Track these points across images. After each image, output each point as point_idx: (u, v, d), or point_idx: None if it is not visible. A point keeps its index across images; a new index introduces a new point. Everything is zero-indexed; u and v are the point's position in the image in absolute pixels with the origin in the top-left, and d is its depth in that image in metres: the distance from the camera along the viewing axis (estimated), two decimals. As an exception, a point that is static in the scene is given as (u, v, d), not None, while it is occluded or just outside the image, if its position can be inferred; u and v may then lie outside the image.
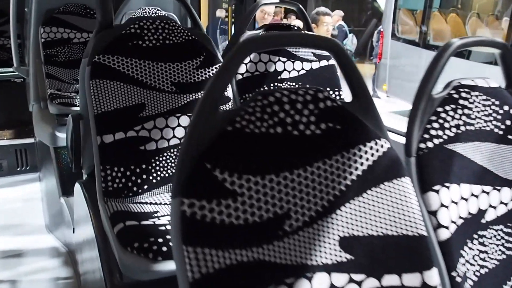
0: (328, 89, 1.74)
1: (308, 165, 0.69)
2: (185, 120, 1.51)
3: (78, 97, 2.78)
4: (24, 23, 3.66)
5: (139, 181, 1.41)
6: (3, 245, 2.67)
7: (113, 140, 1.38)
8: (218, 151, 0.63)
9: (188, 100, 1.51)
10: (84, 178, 1.82)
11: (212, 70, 1.54)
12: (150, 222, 1.24)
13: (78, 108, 2.61)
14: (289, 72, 1.73)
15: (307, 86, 0.72)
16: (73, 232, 2.11)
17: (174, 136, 1.50)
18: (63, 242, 2.68)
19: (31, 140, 3.82)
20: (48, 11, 2.92)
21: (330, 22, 3.55)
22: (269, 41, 0.71)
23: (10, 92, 4.01)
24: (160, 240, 1.13)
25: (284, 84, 1.71)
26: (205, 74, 1.54)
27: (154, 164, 1.44)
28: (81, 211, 1.60)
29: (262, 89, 1.67)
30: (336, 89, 1.76)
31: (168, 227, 1.22)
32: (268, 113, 0.67)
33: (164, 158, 1.46)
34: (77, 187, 1.71)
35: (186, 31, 1.53)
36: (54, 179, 2.70)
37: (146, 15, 3.23)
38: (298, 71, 1.73)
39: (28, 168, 3.85)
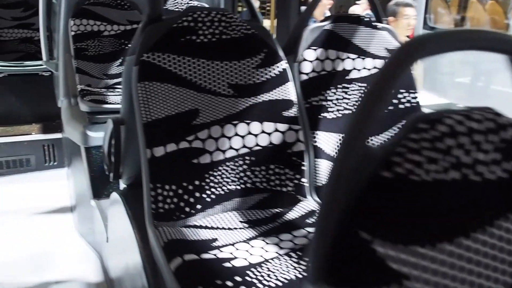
0: (402, 90, 1.50)
1: (488, 224, 0.47)
2: (243, 128, 1.30)
3: (109, 93, 2.60)
4: (52, 16, 3.50)
5: (192, 200, 1.21)
6: (31, 247, 2.53)
7: (164, 153, 1.18)
8: (374, 211, 0.42)
9: (247, 104, 1.30)
10: (121, 187, 1.64)
11: (274, 69, 1.33)
12: (211, 255, 1.04)
13: (109, 106, 2.44)
14: (359, 71, 1.49)
15: (480, 106, 0.50)
16: (107, 241, 1.94)
17: (230, 147, 1.29)
18: (93, 247, 2.53)
19: (58, 135, 3.68)
20: (78, 3, 2.75)
21: (412, 15, 3.20)
22: (463, 41, 0.48)
23: (37, 86, 3.87)
24: (230, 284, 0.93)
25: (352, 85, 1.48)
26: (266, 74, 1.32)
27: (208, 180, 1.25)
28: (121, 228, 1.43)
29: (328, 91, 1.45)
30: (412, 91, 1.52)
31: (234, 262, 1.02)
32: (441, 150, 0.45)
33: (219, 173, 1.26)
34: (115, 197, 1.53)
35: (245, 24, 1.32)
36: (83, 179, 2.54)
37: (178, 7, 3.04)
38: (369, 69, 1.50)
39: (55, 163, 3.72)
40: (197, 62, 1.25)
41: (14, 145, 3.53)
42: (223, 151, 1.27)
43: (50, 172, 3.61)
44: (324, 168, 1.39)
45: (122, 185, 1.63)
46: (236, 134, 1.30)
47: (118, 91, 2.70)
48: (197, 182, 1.22)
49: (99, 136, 2.47)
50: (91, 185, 2.45)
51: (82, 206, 2.65)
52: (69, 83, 2.64)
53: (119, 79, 2.83)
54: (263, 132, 1.30)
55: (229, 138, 1.29)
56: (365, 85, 1.47)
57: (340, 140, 1.44)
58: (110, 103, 2.44)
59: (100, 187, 2.47)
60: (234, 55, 1.30)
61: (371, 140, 1.46)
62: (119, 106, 2.40)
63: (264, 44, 1.32)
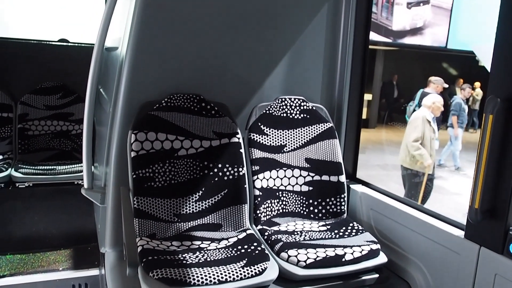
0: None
1: None
2: None
3: (188, 255, 1.56)
4: (98, 108, 2.56)
5: None
6: None
7: None
8: None
9: None
10: None
11: None
12: None
13: None
14: None
15: None
16: None
17: None
18: None
19: (95, 272, 2.64)
20: (144, 107, 1.79)
21: None
22: None
23: (69, 198, 2.88)
24: None
25: None
26: None
27: None
28: None
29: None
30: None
31: None
32: None
33: None
34: None
35: None
36: None
37: (287, 109, 2.07)
38: None
39: None
40: None
41: (33, 286, 2.48)
42: None
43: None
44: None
45: None
46: None
47: (199, 249, 1.67)
48: None
49: None
50: None
51: None
52: (125, 232, 1.62)
53: (198, 221, 1.80)
54: None
55: None
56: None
57: None
58: (194, 285, 1.40)
59: None
60: None
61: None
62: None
63: None
